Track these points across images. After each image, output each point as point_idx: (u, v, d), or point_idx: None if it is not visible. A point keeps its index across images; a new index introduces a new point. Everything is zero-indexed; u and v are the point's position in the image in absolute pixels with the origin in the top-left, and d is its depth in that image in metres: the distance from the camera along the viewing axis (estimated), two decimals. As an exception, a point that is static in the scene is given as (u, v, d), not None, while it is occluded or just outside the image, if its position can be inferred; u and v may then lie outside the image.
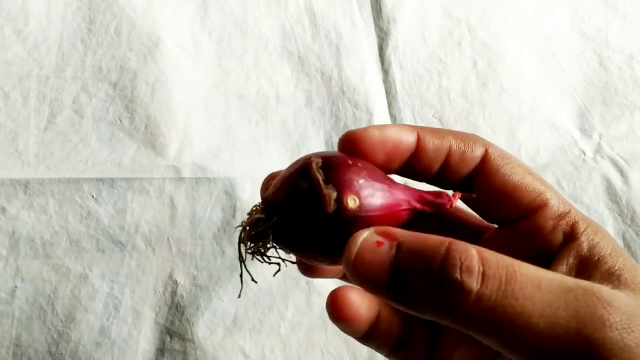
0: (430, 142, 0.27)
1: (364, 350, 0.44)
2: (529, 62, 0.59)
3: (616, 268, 0.23)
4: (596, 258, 0.23)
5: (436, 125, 0.54)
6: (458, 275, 0.19)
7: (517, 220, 0.26)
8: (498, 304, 0.19)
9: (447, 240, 0.21)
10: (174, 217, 0.47)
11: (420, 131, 0.27)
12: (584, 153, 0.54)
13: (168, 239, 0.46)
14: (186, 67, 0.55)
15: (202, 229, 0.47)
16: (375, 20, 0.59)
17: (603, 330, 0.18)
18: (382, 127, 0.26)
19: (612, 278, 0.22)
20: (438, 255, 0.20)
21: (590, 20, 0.62)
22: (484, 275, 0.19)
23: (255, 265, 0.46)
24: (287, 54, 0.57)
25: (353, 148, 0.26)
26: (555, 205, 0.26)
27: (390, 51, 0.58)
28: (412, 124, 0.54)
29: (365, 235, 0.22)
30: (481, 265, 0.20)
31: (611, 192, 0.51)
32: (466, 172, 0.27)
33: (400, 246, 0.21)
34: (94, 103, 0.51)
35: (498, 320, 0.19)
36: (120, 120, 0.51)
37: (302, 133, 0.53)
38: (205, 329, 0.43)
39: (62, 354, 0.42)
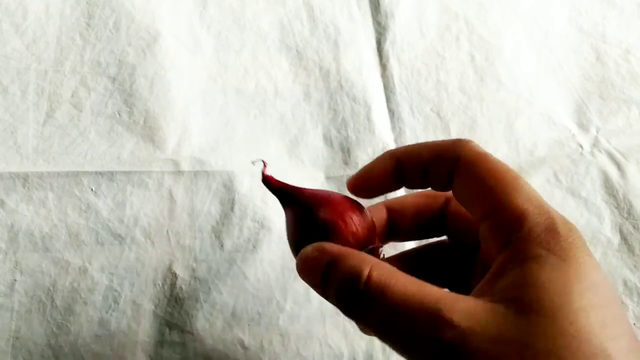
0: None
1: (362, 342, 0.44)
2: (526, 57, 0.59)
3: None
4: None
5: (434, 119, 0.55)
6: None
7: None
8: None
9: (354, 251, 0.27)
10: (172, 210, 0.47)
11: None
12: (581, 147, 0.54)
13: (167, 231, 0.46)
14: (184, 61, 0.55)
15: (200, 221, 0.47)
16: (373, 15, 0.60)
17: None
18: (368, 170, 0.33)
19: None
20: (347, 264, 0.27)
21: (587, 15, 0.62)
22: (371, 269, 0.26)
23: (254, 258, 0.46)
24: (285, 48, 0.57)
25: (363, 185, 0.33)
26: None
27: (388, 45, 0.58)
28: (410, 117, 0.54)
29: (306, 250, 0.29)
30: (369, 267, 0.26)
31: (608, 185, 0.52)
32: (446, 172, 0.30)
33: (328, 259, 0.27)
34: (92, 97, 0.51)
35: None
36: (119, 114, 0.51)
37: (300, 127, 0.53)
38: (204, 321, 0.43)
39: (61, 346, 0.42)
